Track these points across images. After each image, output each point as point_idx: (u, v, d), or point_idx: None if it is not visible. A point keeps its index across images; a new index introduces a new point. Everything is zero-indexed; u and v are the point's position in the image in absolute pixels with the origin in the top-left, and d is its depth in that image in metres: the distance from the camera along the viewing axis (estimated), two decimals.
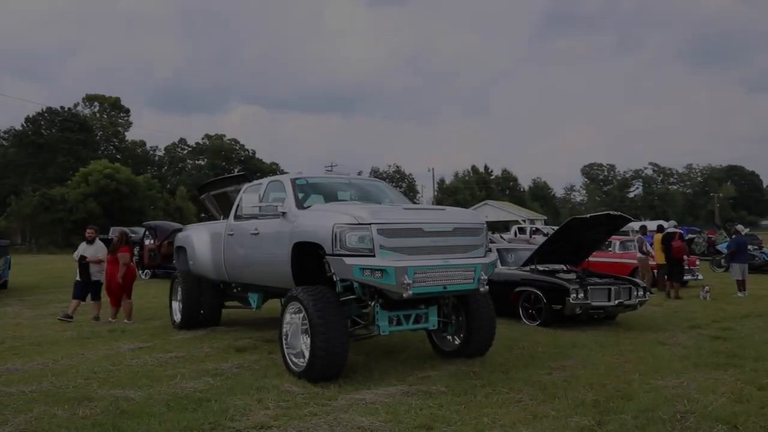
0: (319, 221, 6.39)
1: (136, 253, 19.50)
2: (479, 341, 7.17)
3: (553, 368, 6.84)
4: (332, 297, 6.21)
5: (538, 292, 9.99)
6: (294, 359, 6.48)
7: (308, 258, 6.86)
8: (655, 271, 15.42)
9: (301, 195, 7.29)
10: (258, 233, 7.64)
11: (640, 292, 10.16)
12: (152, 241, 18.87)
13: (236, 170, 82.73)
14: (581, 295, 9.57)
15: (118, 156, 66.18)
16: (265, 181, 8.19)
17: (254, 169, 72.79)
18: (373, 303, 6.40)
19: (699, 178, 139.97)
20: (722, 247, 24.36)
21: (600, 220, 10.17)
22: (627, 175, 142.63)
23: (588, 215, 10.04)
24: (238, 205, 8.70)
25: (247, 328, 9.73)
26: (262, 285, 7.95)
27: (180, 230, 19.40)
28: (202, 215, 71.13)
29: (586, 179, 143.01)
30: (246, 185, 8.84)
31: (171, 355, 7.51)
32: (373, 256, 5.94)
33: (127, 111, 70.73)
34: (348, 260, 5.89)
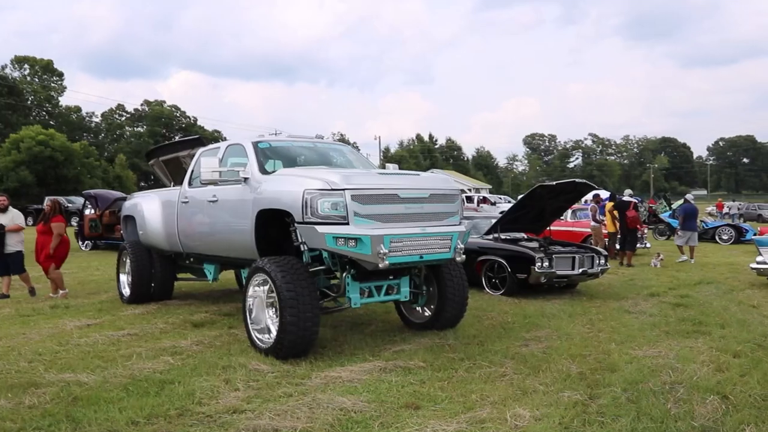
0: (287, 187, 5.94)
1: (75, 223, 18.47)
2: (452, 313, 6.93)
3: (528, 339, 6.68)
4: (301, 268, 5.80)
5: (503, 261, 9.83)
6: (258, 335, 6.08)
7: (272, 227, 6.43)
8: (607, 239, 15.61)
9: (264, 159, 6.80)
10: (216, 200, 7.11)
11: (602, 261, 10.16)
12: (93, 211, 17.84)
13: (177, 137, 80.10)
14: (546, 263, 9.47)
15: (52, 122, 62.60)
16: (222, 145, 7.62)
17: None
18: (344, 274, 6.02)
19: (635, 149, 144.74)
20: (665, 216, 25.10)
21: (566, 188, 10.06)
22: (567, 146, 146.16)
23: (555, 182, 9.90)
24: (192, 171, 8.13)
25: (201, 302, 9.22)
26: (221, 256, 7.46)
27: (123, 199, 18.56)
28: (142, 183, 68.86)
29: (528, 149, 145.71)
30: (201, 150, 8.25)
31: (123, 332, 6.96)
32: (347, 224, 5.55)
33: (61, 75, 66.74)
34: (320, 228, 5.49)
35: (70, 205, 27.76)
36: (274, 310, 6.05)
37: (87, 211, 18.18)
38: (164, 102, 79.92)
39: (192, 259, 9.23)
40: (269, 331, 6.04)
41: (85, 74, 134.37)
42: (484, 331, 7.13)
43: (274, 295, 5.93)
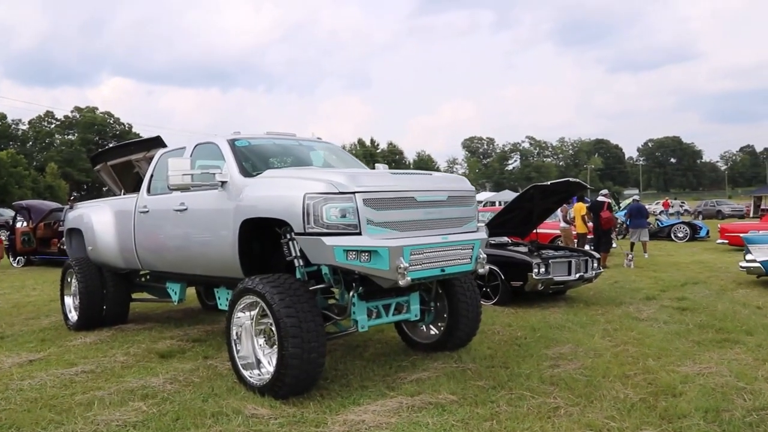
0: (281, 191, 4.95)
1: (5, 238, 16.71)
2: (465, 331, 6.08)
3: (554, 358, 5.90)
4: (301, 288, 4.82)
5: (495, 268, 9.07)
6: (245, 371, 5.06)
7: (255, 239, 5.44)
8: (575, 240, 15.18)
9: (244, 160, 5.77)
10: (185, 209, 6.03)
11: (595, 264, 9.56)
12: (25, 224, 16.14)
13: (110, 145, 76.50)
14: (542, 269, 8.78)
15: None
16: (189, 144, 6.53)
17: None
18: (351, 293, 5.08)
19: (570, 151, 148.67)
20: (620, 215, 25.14)
21: (558, 188, 9.41)
22: (506, 149, 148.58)
23: (549, 182, 9.23)
24: (152, 176, 7.00)
25: (162, 325, 8.03)
26: (191, 274, 6.36)
27: (59, 210, 16.89)
28: (74, 194, 65.08)
29: (467, 152, 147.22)
30: (161, 151, 7.12)
31: (76, 369, 5.77)
32: (359, 233, 4.61)
33: None
34: (328, 240, 4.53)
35: None
36: (264, 338, 5.06)
37: (19, 224, 16.43)
38: (96, 108, 76.26)
39: (146, 277, 8.11)
40: (258, 366, 5.04)
41: (9, 80, 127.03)
42: (498, 349, 6.32)
43: (267, 321, 4.95)
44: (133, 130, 76.49)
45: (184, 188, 5.62)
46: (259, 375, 4.99)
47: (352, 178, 4.75)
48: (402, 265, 4.59)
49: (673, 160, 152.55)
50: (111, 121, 75.85)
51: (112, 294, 7.83)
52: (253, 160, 5.89)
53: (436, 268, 4.98)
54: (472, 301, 6.08)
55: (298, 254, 5.06)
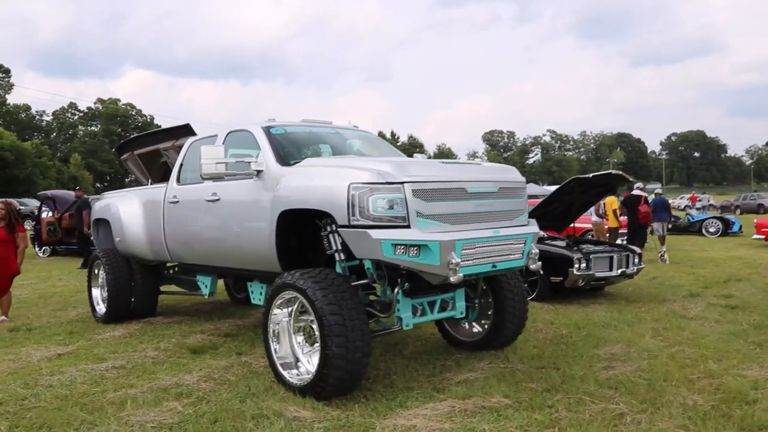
0: (323, 181, 4.66)
1: (30, 228, 16.68)
2: (511, 329, 5.76)
3: (606, 359, 5.57)
4: (345, 284, 4.54)
5: None
6: (284, 370, 4.79)
7: (292, 231, 5.17)
8: (607, 235, 14.75)
9: (279, 148, 5.49)
10: (218, 199, 5.78)
11: (637, 260, 9.16)
12: (50, 214, 16.08)
13: (132, 136, 76.96)
14: (584, 265, 8.42)
15: None
16: (220, 132, 6.27)
17: None
18: (396, 290, 4.78)
19: (592, 145, 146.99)
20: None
21: (599, 181, 9.03)
22: (527, 142, 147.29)
23: (591, 174, 8.85)
24: (182, 165, 6.76)
25: (191, 318, 7.82)
26: (224, 267, 6.11)
27: (87, 200, 16.81)
28: (97, 185, 65.62)
29: (487, 146, 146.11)
30: (191, 139, 6.87)
31: (106, 364, 5.55)
32: (408, 226, 4.31)
33: (7, 71, 63.05)
34: (375, 234, 4.23)
35: (22, 207, 25.67)
36: (304, 336, 4.79)
37: (44, 214, 16.38)
38: (119, 100, 76.74)
39: (177, 269, 7.91)
40: (296, 366, 4.78)
41: (33, 72, 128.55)
42: (544, 348, 6.00)
43: (307, 318, 4.68)
44: (155, 121, 76.90)
45: (217, 177, 5.35)
46: (297, 375, 4.72)
47: (400, 167, 4.45)
48: (453, 261, 4.29)
49: (696, 154, 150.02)
50: (133, 113, 76.33)
51: (140, 286, 7.63)
52: (289, 149, 5.61)
53: (488, 264, 4.67)
54: (519, 298, 5.77)
55: (340, 248, 4.79)
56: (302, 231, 5.24)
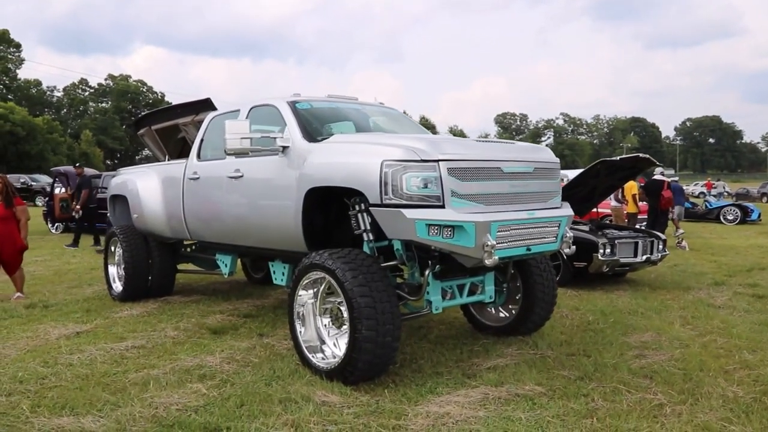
0: (354, 158, 4.49)
1: (44, 204, 16.62)
2: (540, 314, 5.61)
3: (636, 347, 5.41)
4: (375, 265, 4.38)
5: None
6: (310, 354, 4.66)
7: (317, 210, 5.01)
8: (626, 220, 14.53)
9: (306, 124, 5.31)
10: (241, 176, 5.63)
11: (661, 246, 8.95)
12: (63, 190, 16.00)
13: (143, 113, 76.88)
14: (608, 250, 8.23)
15: (10, 96, 59.06)
16: (243, 107, 6.09)
17: None
18: (427, 272, 4.62)
19: (605, 129, 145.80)
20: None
21: (625, 164, 8.79)
22: (539, 125, 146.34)
23: (618, 157, 8.61)
24: (202, 141, 6.60)
25: (209, 298, 7.72)
26: (246, 246, 5.97)
27: (98, 177, 16.72)
28: (107, 162, 65.71)
29: (499, 128, 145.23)
30: (211, 114, 6.71)
31: (126, 344, 5.45)
32: (442, 206, 4.14)
33: (18, 46, 62.84)
34: (409, 213, 4.07)
35: (34, 183, 25.67)
36: (330, 318, 4.65)
37: (57, 190, 16.31)
38: (130, 77, 76.55)
39: (195, 247, 7.79)
40: (321, 349, 4.64)
41: (44, 48, 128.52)
42: (572, 335, 5.84)
43: (334, 300, 4.54)
44: (166, 98, 76.80)
45: (242, 153, 5.18)
46: (323, 358, 4.59)
47: (434, 145, 4.27)
48: (489, 243, 4.12)
49: (711, 140, 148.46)
50: (144, 90, 76.22)
51: (157, 264, 7.52)
52: (315, 124, 5.43)
53: (522, 247, 4.50)
54: (549, 282, 5.60)
55: (369, 228, 4.64)
56: (329, 210, 5.08)
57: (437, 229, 4.08)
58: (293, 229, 5.00)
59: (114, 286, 7.73)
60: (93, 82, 75.72)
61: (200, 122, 7.25)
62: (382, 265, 4.54)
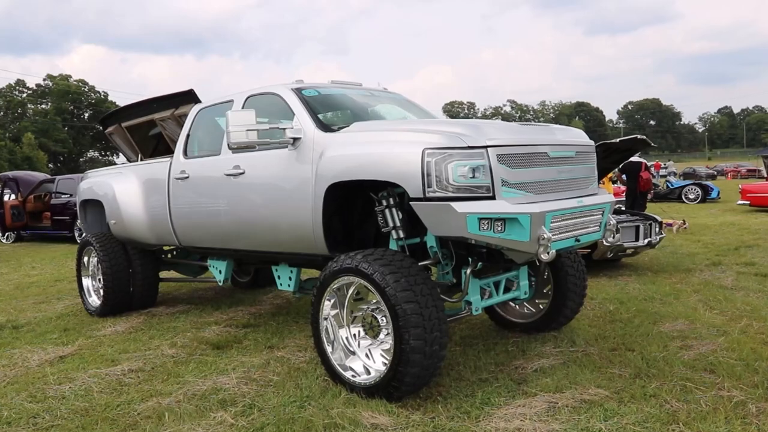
0: (387, 147, 3.99)
1: None
2: (571, 308, 5.26)
3: (674, 336, 5.12)
4: (415, 266, 3.92)
5: None
6: (343, 370, 4.16)
7: (336, 208, 4.53)
8: None
9: (317, 113, 4.79)
10: (242, 173, 5.06)
11: (658, 229, 8.79)
12: (13, 197, 14.92)
13: (86, 115, 73.80)
14: (612, 236, 7.97)
15: None
16: (237, 97, 5.50)
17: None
18: (468, 270, 4.19)
19: (552, 114, 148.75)
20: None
21: (622, 146, 8.56)
22: (487, 113, 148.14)
23: (618, 140, 8.37)
24: (188, 136, 5.98)
25: (197, 308, 7.09)
26: (248, 250, 5.41)
27: (50, 181, 15.66)
28: (50, 165, 62.68)
29: (448, 117, 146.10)
30: (197, 107, 6.09)
31: (121, 368, 4.83)
32: (492, 197, 3.71)
33: None
34: (459, 207, 3.61)
35: None
36: (363, 328, 4.16)
37: (6, 197, 15.19)
38: (70, 77, 73.32)
39: (176, 253, 7.19)
40: (351, 360, 4.15)
41: None
42: (602, 327, 5.52)
43: (365, 307, 4.07)
44: (109, 98, 73.93)
45: (248, 147, 4.63)
46: (352, 374, 4.09)
47: (478, 129, 3.83)
48: (545, 236, 3.71)
49: (652, 122, 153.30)
50: (86, 90, 73.06)
51: (139, 274, 6.86)
52: (327, 113, 4.92)
53: (571, 238, 4.12)
54: (580, 274, 5.26)
55: (399, 224, 4.18)
56: (351, 207, 4.60)
57: (488, 223, 3.65)
58: (309, 230, 4.49)
59: (90, 299, 7.03)
60: (31, 83, 72.23)
61: (181, 116, 6.64)
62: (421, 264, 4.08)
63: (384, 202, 4.21)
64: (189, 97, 6.50)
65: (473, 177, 3.67)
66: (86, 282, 7.17)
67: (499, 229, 3.68)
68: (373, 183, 4.10)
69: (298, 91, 4.94)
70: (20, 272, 10.75)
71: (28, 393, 4.32)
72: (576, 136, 4.57)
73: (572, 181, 4.27)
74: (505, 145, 3.77)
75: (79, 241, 14.18)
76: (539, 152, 3.99)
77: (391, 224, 4.22)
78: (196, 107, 6.05)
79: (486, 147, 3.69)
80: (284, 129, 4.59)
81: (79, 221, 7.88)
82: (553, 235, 3.82)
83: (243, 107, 5.30)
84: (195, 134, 5.94)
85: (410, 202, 3.82)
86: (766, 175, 26.57)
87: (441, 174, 3.67)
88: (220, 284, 6.20)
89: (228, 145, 4.56)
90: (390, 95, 5.91)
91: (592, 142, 4.73)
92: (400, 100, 5.92)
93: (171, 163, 6.04)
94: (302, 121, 4.65)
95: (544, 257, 3.75)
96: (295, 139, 4.61)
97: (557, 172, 4.12)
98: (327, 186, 4.28)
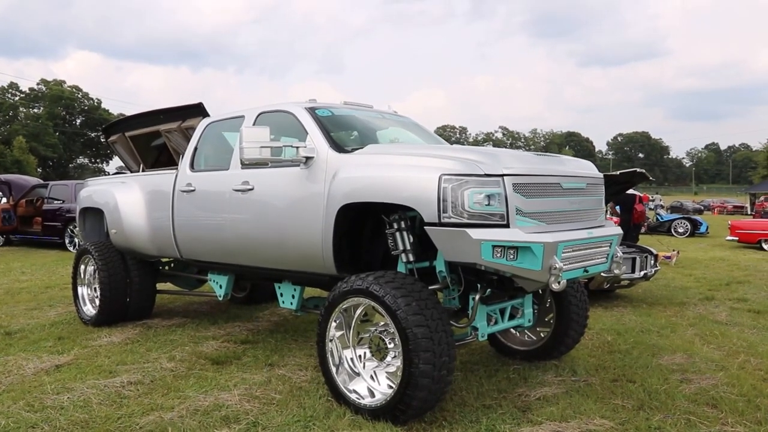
0: (402, 171, 4.03)
1: None
2: (573, 337, 5.28)
3: (675, 370, 5.15)
4: (425, 290, 3.94)
5: None
6: (350, 393, 4.14)
7: (346, 229, 4.54)
8: None
9: (331, 133, 4.82)
10: (251, 189, 5.07)
11: (653, 261, 8.88)
12: (5, 200, 14.78)
13: (78, 121, 73.49)
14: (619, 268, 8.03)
15: None
16: (248, 113, 5.53)
17: (101, 120, 64.76)
18: (476, 296, 4.21)
19: (542, 143, 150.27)
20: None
21: (621, 178, 8.66)
22: (479, 138, 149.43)
23: (618, 172, 8.48)
24: (195, 149, 5.99)
25: (194, 321, 7.03)
26: (249, 266, 5.40)
27: (43, 186, 15.54)
28: (39, 170, 62.23)
29: None
30: (206, 121, 6.11)
31: (120, 380, 4.77)
32: (506, 225, 3.75)
33: None
34: (475, 233, 3.64)
35: None
36: (367, 350, 4.16)
37: None
38: (64, 82, 73.13)
39: (171, 264, 7.17)
40: (355, 382, 4.14)
41: None
42: (602, 357, 5.54)
43: (372, 329, 4.07)
44: (103, 105, 73.73)
45: (260, 164, 4.65)
46: (358, 397, 4.08)
47: (494, 158, 3.87)
48: (557, 266, 3.75)
49: (641, 155, 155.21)
50: (79, 96, 72.81)
51: (137, 285, 6.81)
52: (339, 134, 4.95)
53: (580, 268, 4.16)
54: (582, 304, 5.29)
55: (409, 248, 4.20)
56: (361, 228, 4.61)
57: (501, 251, 3.68)
58: (318, 249, 4.50)
59: (84, 308, 6.96)
60: (24, 87, 72.00)
61: (188, 129, 6.64)
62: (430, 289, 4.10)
63: (395, 225, 4.24)
64: (197, 111, 6.51)
65: (488, 204, 3.71)
66: (81, 290, 7.10)
67: (512, 257, 3.71)
68: (385, 205, 4.12)
69: (312, 111, 4.98)
70: (10, 277, 10.62)
71: (26, 402, 4.26)
72: (586, 167, 4.65)
73: (582, 212, 4.32)
74: (521, 174, 3.82)
75: (70, 249, 14.13)
76: (553, 182, 4.05)
77: (401, 247, 4.24)
78: (205, 121, 6.07)
79: (502, 176, 3.74)
80: (298, 147, 4.62)
81: (77, 228, 7.79)
82: (564, 265, 3.86)
83: (254, 123, 5.33)
84: (203, 148, 5.96)
85: (424, 227, 3.85)
86: (751, 212, 26.93)
87: (457, 200, 3.70)
88: (220, 299, 6.17)
89: (241, 160, 4.57)
90: (400, 119, 5.96)
91: (601, 175, 4.80)
92: (410, 123, 5.98)
93: (177, 176, 6.04)
94: (316, 141, 4.68)
95: (555, 287, 3.78)
96: (308, 158, 4.63)
97: (569, 203, 4.17)
98: (339, 206, 4.30)
